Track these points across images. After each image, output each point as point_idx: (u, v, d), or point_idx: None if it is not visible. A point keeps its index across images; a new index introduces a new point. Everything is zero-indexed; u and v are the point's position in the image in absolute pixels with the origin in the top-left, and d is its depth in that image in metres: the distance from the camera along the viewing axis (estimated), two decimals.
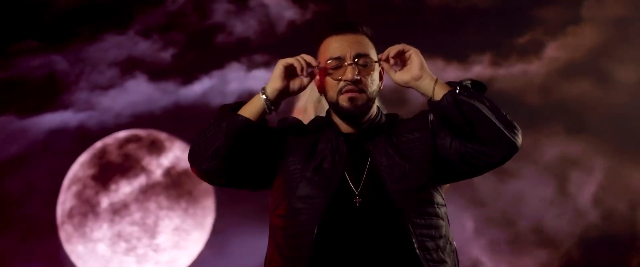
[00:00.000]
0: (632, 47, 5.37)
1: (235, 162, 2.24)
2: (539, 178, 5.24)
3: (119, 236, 5.77)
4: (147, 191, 5.81)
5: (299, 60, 2.26)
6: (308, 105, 2.64)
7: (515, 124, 2.20)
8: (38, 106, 6.15)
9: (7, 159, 6.05)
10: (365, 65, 2.27)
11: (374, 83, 2.31)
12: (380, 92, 2.39)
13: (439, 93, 2.19)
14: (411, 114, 2.44)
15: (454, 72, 5.34)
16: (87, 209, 5.83)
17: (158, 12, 6.26)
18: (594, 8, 5.47)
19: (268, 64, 5.87)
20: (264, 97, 2.25)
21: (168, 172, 5.87)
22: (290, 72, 2.28)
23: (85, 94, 6.18)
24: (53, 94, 6.19)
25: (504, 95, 5.36)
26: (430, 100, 2.22)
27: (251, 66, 5.92)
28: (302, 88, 2.30)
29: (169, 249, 5.75)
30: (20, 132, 6.10)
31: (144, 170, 5.85)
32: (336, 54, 2.28)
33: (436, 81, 2.21)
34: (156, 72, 6.10)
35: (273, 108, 2.27)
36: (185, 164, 5.83)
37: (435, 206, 2.23)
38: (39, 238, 5.95)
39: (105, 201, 5.82)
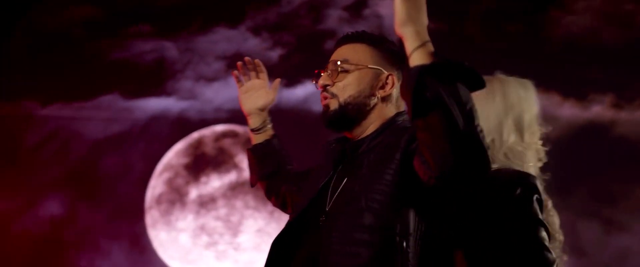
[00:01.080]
0: None
1: (269, 185, 2.49)
2: None
3: (203, 229, 5.76)
4: (235, 188, 5.78)
5: (233, 73, 2.51)
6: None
7: (484, 156, 1.64)
8: (143, 90, 6.25)
9: (107, 137, 6.16)
10: (339, 70, 2.10)
11: (351, 88, 2.09)
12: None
13: (414, 61, 1.71)
14: None
15: (571, 110, 5.07)
16: (175, 198, 5.86)
17: (271, 11, 6.25)
18: None
19: None
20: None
21: None
22: (249, 91, 2.53)
23: (190, 83, 6.24)
24: (159, 79, 6.28)
25: (623, 141, 5.11)
26: (405, 69, 1.76)
27: None
28: (268, 98, 2.50)
29: (249, 249, 5.70)
30: (123, 112, 6.21)
31: (236, 167, 5.84)
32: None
33: (421, 46, 1.71)
34: None
35: (257, 131, 2.52)
36: None
37: (367, 232, 1.88)
38: (126, 219, 6.03)
39: (193, 192, 5.83)
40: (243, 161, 5.87)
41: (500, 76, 2.27)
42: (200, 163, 5.91)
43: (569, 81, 5.16)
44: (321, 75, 2.14)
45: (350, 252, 1.88)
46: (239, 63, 2.54)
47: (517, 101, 2.28)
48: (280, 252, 2.01)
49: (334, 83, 2.10)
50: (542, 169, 2.31)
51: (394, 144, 1.97)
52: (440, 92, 1.63)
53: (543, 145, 2.26)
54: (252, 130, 2.53)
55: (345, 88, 2.09)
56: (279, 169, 2.48)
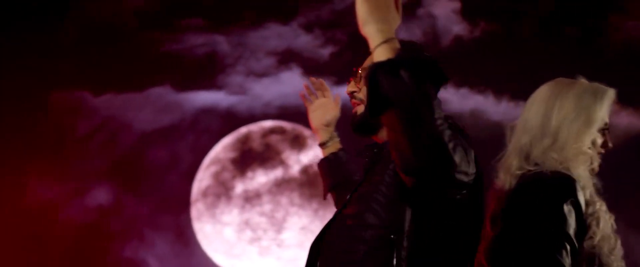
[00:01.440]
0: None
1: (337, 196, 2.60)
2: None
3: (247, 223, 5.80)
4: (281, 185, 5.80)
5: (301, 94, 2.73)
6: None
7: (444, 152, 1.62)
8: (194, 83, 6.28)
9: (157, 129, 6.22)
10: (363, 76, 2.15)
11: None
12: None
13: (375, 59, 1.70)
14: None
15: (628, 119, 4.92)
16: (221, 191, 5.91)
17: (325, 8, 6.25)
18: None
19: None
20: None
21: (305, 169, 5.86)
22: (317, 109, 2.69)
23: (240, 78, 6.27)
24: (210, 73, 6.31)
25: None
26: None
27: None
28: (333, 113, 2.66)
29: (293, 246, 5.73)
30: (173, 105, 6.28)
31: (282, 163, 5.86)
32: None
33: (383, 43, 1.70)
34: (312, 68, 6.08)
35: (324, 145, 2.65)
36: None
37: (365, 230, 1.93)
38: (172, 211, 6.10)
39: (239, 187, 5.87)
40: (289, 157, 5.89)
41: (581, 80, 2.25)
42: (247, 158, 5.95)
43: (627, 89, 5.01)
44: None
45: (348, 249, 1.93)
46: (306, 84, 2.75)
47: (573, 107, 2.21)
48: (314, 254, 2.09)
49: (360, 89, 2.16)
50: (598, 177, 2.24)
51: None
52: (393, 88, 1.61)
53: (599, 154, 2.20)
54: (320, 144, 2.68)
55: None
56: (346, 180, 2.58)
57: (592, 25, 5.56)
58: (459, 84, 5.54)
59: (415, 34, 5.91)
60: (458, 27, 5.87)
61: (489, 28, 5.80)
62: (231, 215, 5.85)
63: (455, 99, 5.56)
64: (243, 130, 6.11)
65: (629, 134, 4.96)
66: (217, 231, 5.89)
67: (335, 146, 2.65)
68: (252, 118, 6.13)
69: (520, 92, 5.12)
